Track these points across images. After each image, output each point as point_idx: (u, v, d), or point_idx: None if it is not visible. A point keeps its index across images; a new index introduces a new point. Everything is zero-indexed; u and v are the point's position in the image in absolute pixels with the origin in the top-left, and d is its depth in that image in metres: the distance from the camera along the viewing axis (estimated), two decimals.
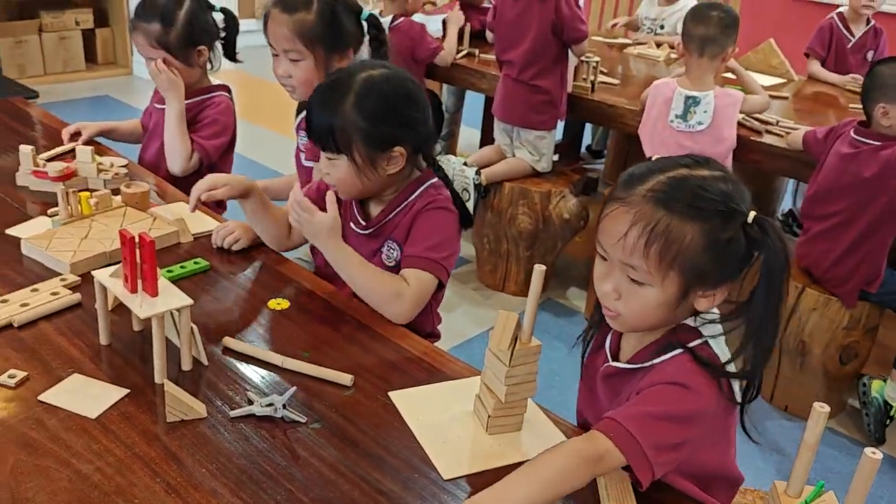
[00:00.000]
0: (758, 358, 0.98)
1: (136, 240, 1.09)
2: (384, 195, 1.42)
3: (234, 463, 0.99)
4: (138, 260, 1.10)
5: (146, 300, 1.11)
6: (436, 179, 1.43)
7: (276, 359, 1.19)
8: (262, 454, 1.01)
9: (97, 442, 1.00)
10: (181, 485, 0.95)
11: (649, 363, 1.04)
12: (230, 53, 2.02)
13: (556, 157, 3.04)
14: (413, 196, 1.40)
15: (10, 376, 1.09)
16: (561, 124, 2.97)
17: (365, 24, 1.72)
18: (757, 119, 2.59)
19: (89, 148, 1.73)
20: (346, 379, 1.16)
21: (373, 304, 1.34)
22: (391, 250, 1.41)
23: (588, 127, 4.14)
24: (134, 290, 1.12)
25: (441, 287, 1.40)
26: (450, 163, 2.80)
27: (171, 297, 1.12)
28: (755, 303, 0.97)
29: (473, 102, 4.10)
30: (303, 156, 1.81)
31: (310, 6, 1.64)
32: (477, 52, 3.34)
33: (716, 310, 1.04)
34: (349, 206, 1.46)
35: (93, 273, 1.17)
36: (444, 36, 3.30)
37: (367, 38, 1.73)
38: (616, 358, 1.11)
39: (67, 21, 5.14)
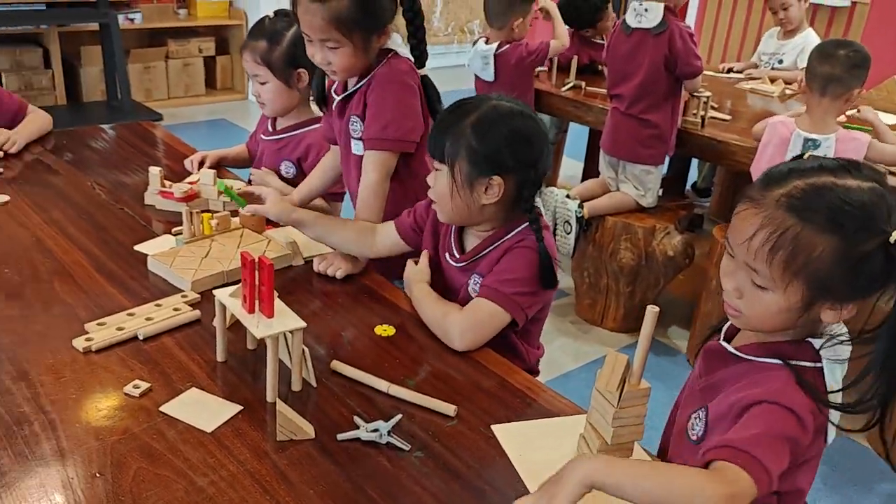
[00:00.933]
0: (880, 390, 0.93)
1: (257, 262, 1.14)
2: (481, 229, 1.43)
3: (339, 486, 1.01)
4: (257, 282, 1.15)
5: (262, 321, 1.15)
6: (527, 224, 1.41)
7: (382, 385, 1.21)
8: (367, 479, 1.03)
9: (212, 456, 1.04)
10: (288, 503, 0.97)
11: (751, 358, 1.01)
12: None
13: (660, 192, 2.98)
14: (509, 235, 1.41)
15: (135, 387, 1.15)
16: (668, 159, 2.92)
17: None
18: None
19: (212, 171, 1.82)
20: (449, 409, 1.16)
21: (431, 328, 1.38)
22: (476, 284, 1.42)
23: (694, 164, 4.04)
24: (251, 311, 1.17)
25: (516, 325, 1.39)
26: (552, 195, 2.79)
27: (286, 319, 1.16)
28: (889, 329, 0.92)
29: (577, 134, 4.08)
30: (355, 145, 1.73)
31: None
32: (583, 84, 3.33)
33: (845, 330, 0.99)
34: (447, 237, 1.49)
35: (214, 292, 1.23)
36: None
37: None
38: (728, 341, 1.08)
39: (192, 49, 5.45)
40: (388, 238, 1.56)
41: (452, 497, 1.01)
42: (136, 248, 1.59)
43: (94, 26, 4.88)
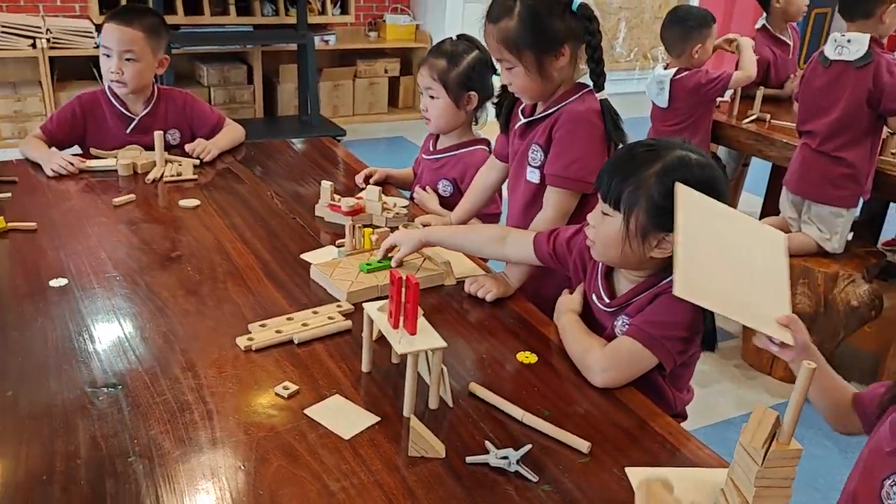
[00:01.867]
0: None
1: (404, 280, 1.17)
2: (637, 274, 1.38)
3: None
4: (403, 299, 1.18)
5: (405, 337, 1.18)
6: None
7: (517, 412, 1.20)
8: None
9: (346, 462, 1.08)
10: None
11: None
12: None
13: (849, 237, 2.75)
14: (665, 280, 1.34)
15: (285, 388, 1.22)
16: (861, 202, 2.69)
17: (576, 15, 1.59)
18: None
19: (377, 188, 1.90)
20: (583, 445, 1.14)
21: (574, 361, 1.36)
22: (624, 325, 1.37)
23: (893, 208, 3.69)
24: (396, 326, 1.20)
25: (664, 368, 1.32)
26: None
27: (428, 338, 1.19)
28: None
29: (758, 169, 3.86)
30: (530, 172, 1.73)
31: (510, 11, 1.56)
32: (768, 117, 3.15)
33: None
34: (594, 279, 1.45)
35: (364, 305, 1.28)
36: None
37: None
38: None
39: (378, 69, 5.74)
40: (522, 248, 1.56)
41: None
42: (303, 256, 1.70)
43: (293, 47, 5.26)
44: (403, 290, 1.18)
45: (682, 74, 3.02)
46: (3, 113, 4.52)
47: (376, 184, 2.08)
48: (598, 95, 1.65)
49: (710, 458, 1.16)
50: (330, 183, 1.91)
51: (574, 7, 1.58)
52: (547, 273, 1.62)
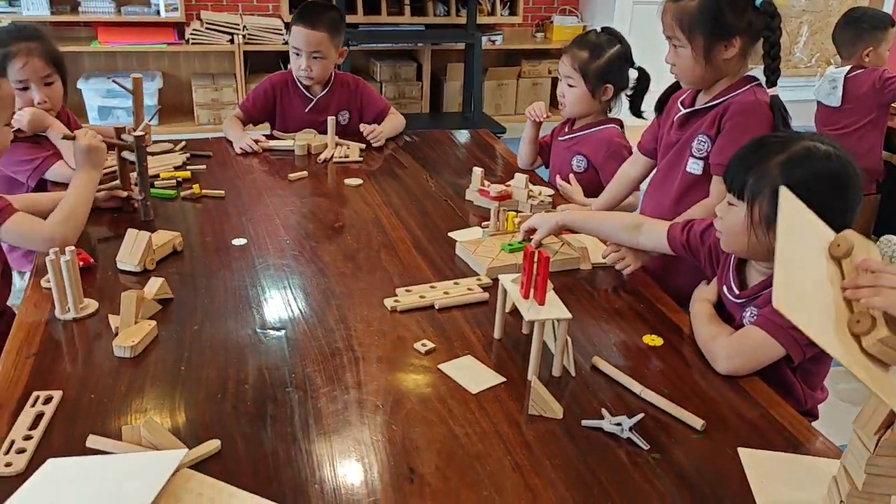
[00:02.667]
0: None
1: (535, 255, 1.27)
2: (767, 265, 1.38)
3: (573, 465, 1.10)
4: (534, 272, 1.28)
5: (534, 306, 1.28)
6: None
7: (636, 386, 1.26)
8: (601, 466, 1.10)
9: (471, 413, 1.19)
10: (526, 467, 1.08)
11: None
12: (636, 108, 2.18)
13: None
14: None
15: (423, 345, 1.35)
16: None
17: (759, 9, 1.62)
18: None
19: (525, 176, 2.00)
20: (697, 422, 1.18)
21: (700, 346, 1.39)
22: (752, 315, 1.38)
23: None
24: (526, 296, 1.30)
25: (792, 361, 1.32)
26: (889, 244, 2.53)
27: (555, 309, 1.27)
28: None
29: None
30: (693, 162, 1.77)
31: None
32: None
33: None
34: (726, 270, 1.47)
35: (500, 276, 1.39)
36: None
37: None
38: None
39: (542, 70, 5.82)
40: (656, 238, 1.59)
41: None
42: (450, 234, 1.83)
43: (461, 46, 5.46)
44: (535, 263, 1.27)
45: (857, 72, 2.88)
46: (201, 101, 5.03)
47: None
48: (771, 91, 1.67)
49: (831, 451, 1.16)
50: (481, 169, 2.03)
51: (757, 2, 1.61)
52: (679, 263, 1.65)
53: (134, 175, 1.83)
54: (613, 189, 2.00)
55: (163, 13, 4.87)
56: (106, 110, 4.84)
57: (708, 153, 1.71)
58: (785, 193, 1.07)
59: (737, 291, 1.43)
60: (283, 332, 1.39)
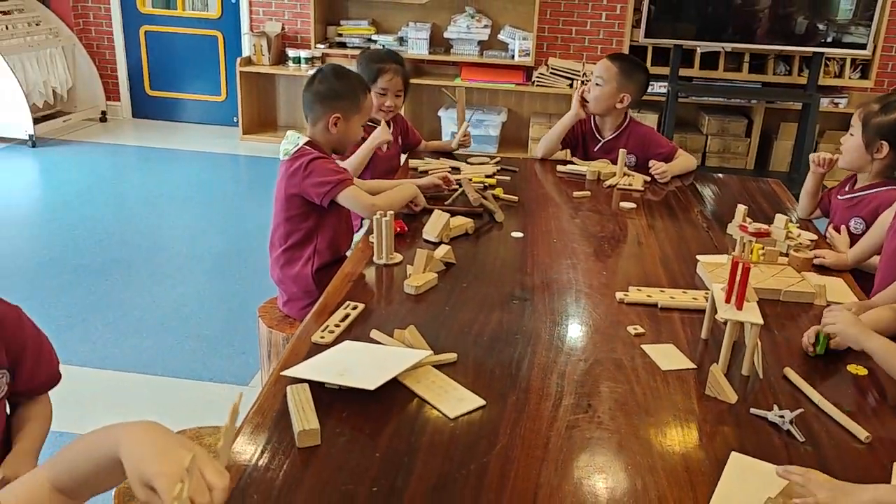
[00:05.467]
0: None
1: (740, 266, 1.47)
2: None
3: (728, 438, 1.28)
4: (737, 280, 1.47)
5: (730, 309, 1.47)
6: None
7: (816, 396, 1.39)
8: (754, 444, 1.26)
9: (654, 382, 1.43)
10: (685, 428, 1.30)
11: None
12: None
13: None
14: None
15: (635, 328, 1.62)
16: None
17: None
18: None
19: (786, 217, 2.12)
20: (862, 433, 1.29)
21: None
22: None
23: None
24: (728, 301, 1.50)
25: None
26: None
27: (750, 314, 1.46)
28: None
29: None
30: None
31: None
32: None
33: None
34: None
35: (712, 285, 1.60)
36: None
37: None
38: None
39: None
40: None
41: None
42: (699, 257, 2.03)
43: (798, 106, 5.37)
44: (739, 273, 1.47)
45: None
46: (535, 136, 5.63)
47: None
48: None
49: None
50: (745, 207, 2.20)
51: None
52: None
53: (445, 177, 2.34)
54: (871, 237, 2.01)
55: (516, 58, 5.57)
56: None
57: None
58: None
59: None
60: (528, 301, 1.75)
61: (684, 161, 2.84)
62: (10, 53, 5.43)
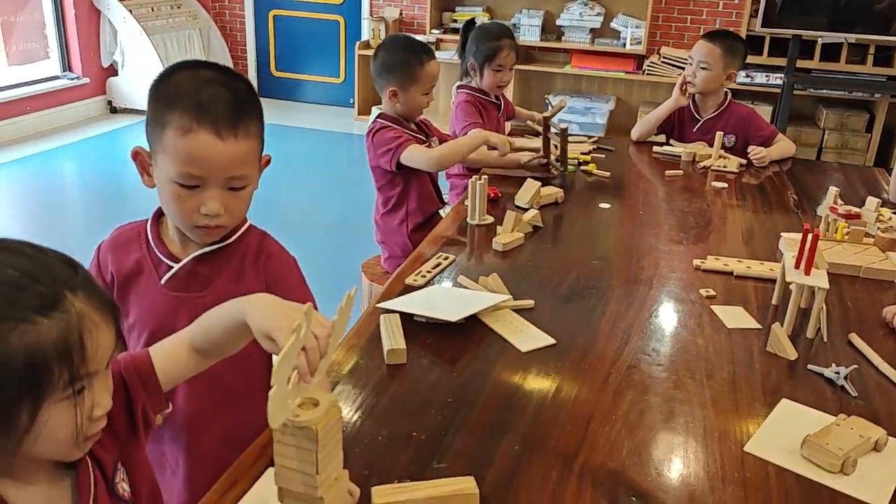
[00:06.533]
0: None
1: (810, 234, 1.54)
2: None
3: (780, 387, 1.37)
4: (807, 247, 1.54)
5: (800, 274, 1.55)
6: None
7: (876, 359, 1.45)
8: (805, 394, 1.34)
9: (717, 336, 1.53)
10: (739, 377, 1.39)
11: None
12: None
13: None
14: None
15: (706, 291, 1.71)
16: None
17: None
18: None
19: (878, 200, 2.13)
20: None
21: None
22: None
23: None
24: (797, 267, 1.57)
25: None
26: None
27: (817, 279, 1.53)
28: None
29: None
30: None
31: None
32: None
33: None
34: None
35: (785, 252, 1.67)
36: None
37: None
38: None
39: None
40: None
41: None
42: (783, 233, 2.08)
43: None
44: (808, 241, 1.54)
45: None
46: None
47: None
48: None
49: None
50: (837, 189, 2.22)
51: None
52: None
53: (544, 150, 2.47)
54: None
55: (628, 46, 5.59)
56: (562, 121, 5.73)
57: None
58: None
59: None
60: (607, 261, 1.87)
61: (784, 146, 2.85)
62: (154, 33, 5.92)
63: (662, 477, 1.13)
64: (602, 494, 1.09)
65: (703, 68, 2.84)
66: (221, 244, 1.28)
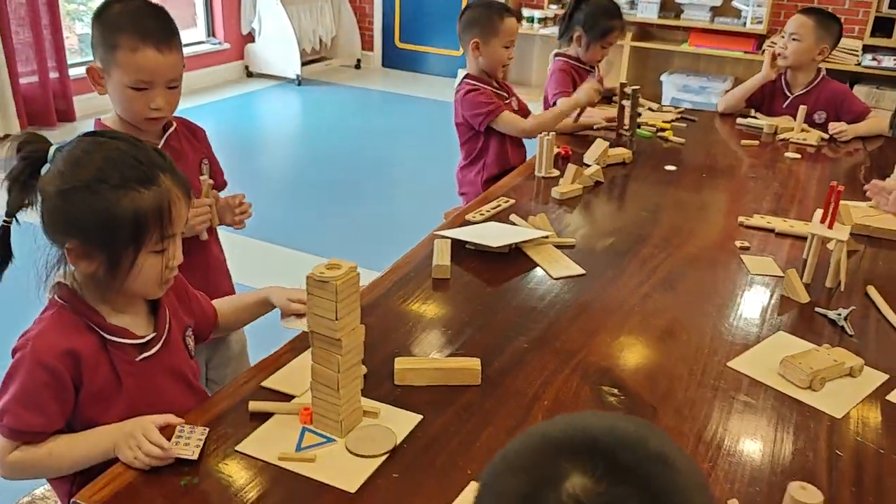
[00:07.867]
0: None
1: (835, 191, 1.64)
2: None
3: (785, 322, 1.51)
4: (831, 204, 1.65)
5: (822, 227, 1.66)
6: None
7: (885, 307, 1.55)
8: (804, 329, 1.48)
9: (738, 279, 1.67)
10: (746, 317, 1.54)
11: None
12: None
13: None
14: None
15: (741, 243, 1.84)
16: None
17: None
18: None
19: None
20: None
21: None
22: None
23: None
24: (823, 221, 1.68)
25: None
26: None
27: (836, 232, 1.64)
28: None
29: None
30: None
31: None
32: None
33: None
34: None
35: (817, 211, 1.78)
36: None
37: None
38: None
39: None
40: None
41: None
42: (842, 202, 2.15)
43: None
44: (832, 200, 1.65)
45: None
46: None
47: None
48: None
49: None
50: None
51: None
52: None
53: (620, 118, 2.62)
54: None
55: (748, 25, 5.52)
56: (676, 100, 5.74)
57: None
58: None
59: None
60: (655, 213, 2.03)
61: (872, 123, 2.85)
62: (289, 4, 6.38)
63: (644, 377, 1.32)
64: (588, 384, 1.29)
65: (795, 39, 2.87)
66: (168, 132, 1.60)
